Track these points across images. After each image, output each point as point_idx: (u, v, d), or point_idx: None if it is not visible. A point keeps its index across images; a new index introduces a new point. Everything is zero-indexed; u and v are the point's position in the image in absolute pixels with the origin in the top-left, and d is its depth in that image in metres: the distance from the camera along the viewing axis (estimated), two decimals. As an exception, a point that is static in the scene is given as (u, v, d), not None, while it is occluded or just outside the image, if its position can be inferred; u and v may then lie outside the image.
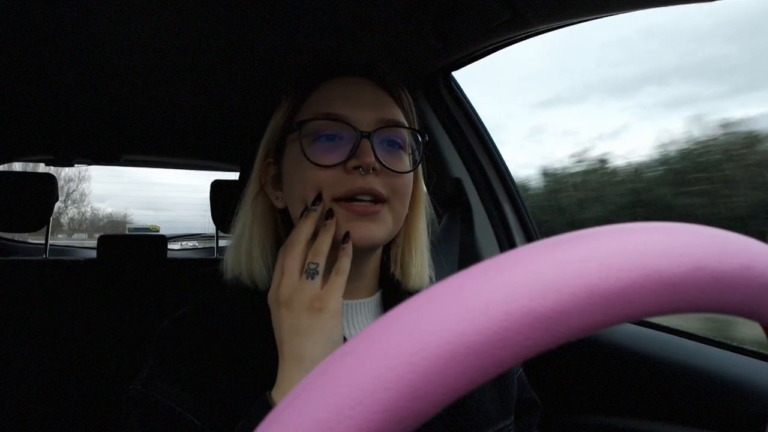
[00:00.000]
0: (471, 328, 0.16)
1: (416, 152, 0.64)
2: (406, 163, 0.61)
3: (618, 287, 0.17)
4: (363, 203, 0.56)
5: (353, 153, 0.57)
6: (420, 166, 0.67)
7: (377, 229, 0.57)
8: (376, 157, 0.56)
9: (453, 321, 0.16)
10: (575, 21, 0.92)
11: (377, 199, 0.57)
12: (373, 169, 0.56)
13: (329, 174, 0.57)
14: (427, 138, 0.65)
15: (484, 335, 0.16)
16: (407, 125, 0.63)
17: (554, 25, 0.95)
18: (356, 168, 0.56)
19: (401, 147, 0.61)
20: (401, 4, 0.99)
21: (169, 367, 0.56)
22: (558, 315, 0.16)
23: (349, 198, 0.57)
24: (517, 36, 1.03)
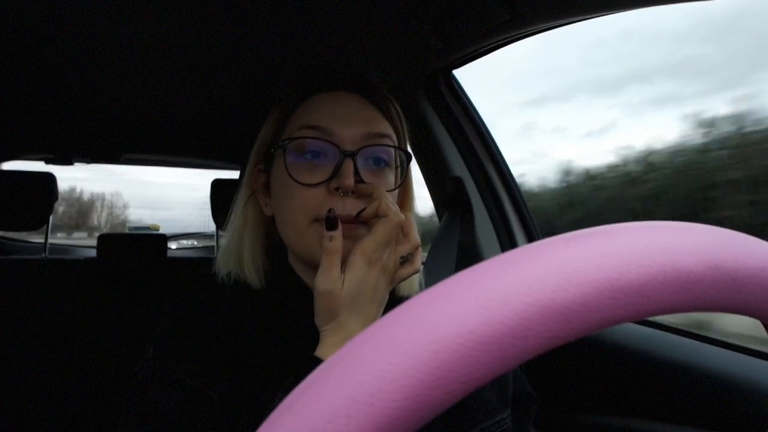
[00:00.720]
0: (492, 318, 0.16)
1: (402, 168, 0.64)
2: (389, 180, 0.61)
3: (637, 282, 0.17)
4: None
5: (335, 173, 0.57)
6: (410, 174, 0.67)
7: (352, 247, 0.57)
8: (357, 178, 0.57)
9: (474, 310, 0.16)
10: (575, 20, 0.92)
11: (356, 222, 0.57)
12: (353, 191, 0.56)
13: (312, 193, 0.57)
14: (411, 157, 0.65)
15: (505, 326, 0.16)
16: (394, 140, 0.63)
17: (554, 24, 0.95)
18: (337, 189, 0.56)
19: (386, 163, 0.61)
20: (401, 4, 0.99)
21: (168, 367, 0.56)
22: (578, 308, 0.16)
23: None
24: (517, 35, 1.03)
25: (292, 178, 0.57)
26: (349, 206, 0.56)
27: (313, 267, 0.60)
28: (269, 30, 1.11)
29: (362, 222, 0.57)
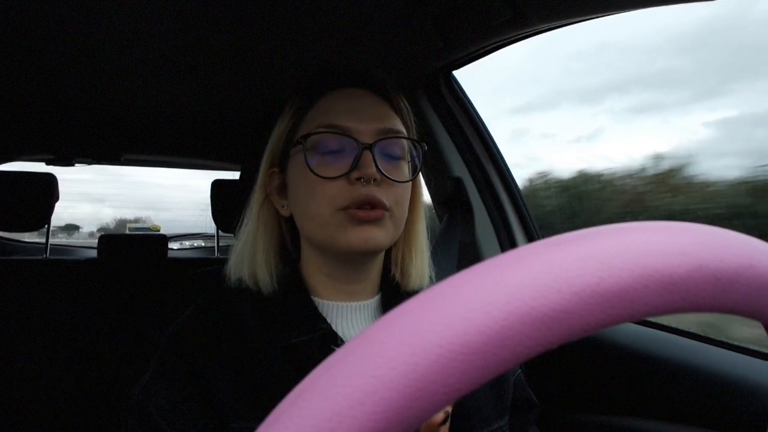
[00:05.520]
0: (472, 328, 0.16)
1: (416, 159, 0.66)
2: (405, 172, 0.63)
3: (619, 287, 0.17)
4: (365, 209, 0.58)
5: (355, 164, 0.58)
6: (420, 172, 0.68)
7: (379, 233, 0.59)
8: (377, 167, 0.58)
9: (454, 321, 0.16)
10: (576, 20, 0.92)
11: (379, 207, 0.59)
12: (375, 179, 0.58)
13: (333, 185, 0.58)
14: (425, 147, 0.66)
15: (485, 335, 0.16)
16: (407, 134, 0.65)
17: (555, 24, 0.95)
18: (359, 179, 0.58)
19: (401, 157, 0.63)
20: (402, 3, 0.99)
21: (171, 372, 0.57)
22: (559, 315, 0.16)
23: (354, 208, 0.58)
24: (518, 35, 1.03)
25: (314, 173, 0.59)
26: (372, 192, 0.58)
27: (334, 256, 0.62)
28: (269, 30, 1.11)
29: (386, 209, 0.59)
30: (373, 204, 0.58)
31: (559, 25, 0.96)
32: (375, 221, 0.58)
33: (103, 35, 1.12)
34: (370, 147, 0.59)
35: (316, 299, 0.63)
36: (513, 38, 1.05)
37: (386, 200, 0.59)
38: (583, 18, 0.90)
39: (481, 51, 1.14)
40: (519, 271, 0.17)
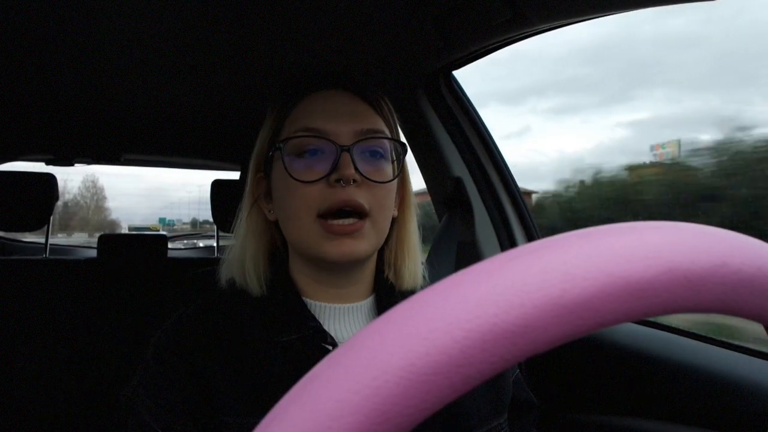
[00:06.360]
0: (434, 348, 0.16)
1: (399, 160, 0.65)
2: (387, 172, 0.62)
3: (583, 297, 0.16)
4: (343, 222, 0.57)
5: (335, 167, 0.58)
6: (407, 171, 0.68)
7: (357, 245, 0.58)
8: (356, 168, 0.58)
9: (415, 342, 0.16)
10: (576, 20, 0.92)
11: (359, 213, 0.58)
12: (354, 180, 0.57)
13: (313, 189, 0.58)
14: (407, 147, 0.66)
15: (447, 354, 0.16)
16: (388, 134, 0.64)
17: (555, 24, 0.95)
18: (338, 181, 0.57)
19: (383, 156, 0.62)
20: (402, 3, 0.99)
21: (170, 371, 0.57)
22: (522, 329, 0.16)
23: (332, 214, 0.58)
24: (518, 35, 1.03)
25: (293, 177, 0.58)
26: (352, 195, 0.57)
27: (317, 263, 0.61)
28: (269, 30, 1.11)
29: (366, 213, 0.58)
30: (352, 207, 0.57)
31: (559, 25, 0.96)
32: (353, 233, 0.57)
33: (103, 35, 1.12)
34: (348, 149, 0.58)
35: (307, 300, 0.64)
36: (513, 38, 1.05)
37: (366, 202, 0.58)
38: (583, 18, 0.90)
39: (481, 51, 1.14)
40: (480, 286, 0.17)
